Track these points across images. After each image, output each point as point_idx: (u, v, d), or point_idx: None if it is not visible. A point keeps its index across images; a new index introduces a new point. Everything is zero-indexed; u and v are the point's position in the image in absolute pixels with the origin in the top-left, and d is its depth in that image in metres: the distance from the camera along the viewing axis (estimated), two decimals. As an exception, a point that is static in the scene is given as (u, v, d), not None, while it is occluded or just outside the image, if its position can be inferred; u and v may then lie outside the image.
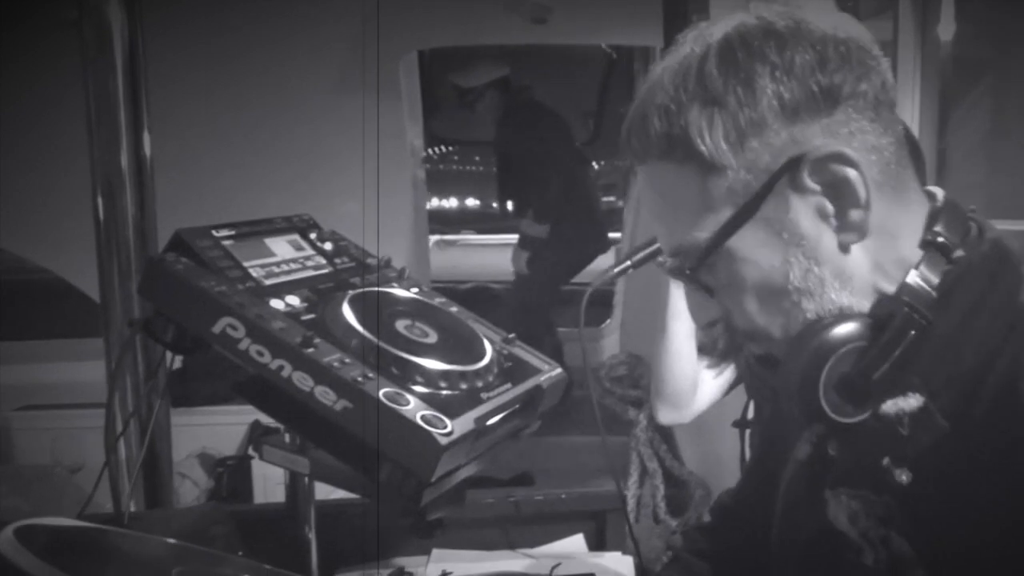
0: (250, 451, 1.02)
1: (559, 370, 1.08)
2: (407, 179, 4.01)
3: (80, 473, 2.62)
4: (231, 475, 2.85)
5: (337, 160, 3.58)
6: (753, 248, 0.76)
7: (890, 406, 0.74)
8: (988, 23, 2.32)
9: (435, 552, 1.39)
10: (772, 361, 0.80)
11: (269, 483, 2.65)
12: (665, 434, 3.53)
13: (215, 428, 2.99)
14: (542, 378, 1.05)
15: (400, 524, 1.08)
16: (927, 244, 0.76)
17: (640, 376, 3.83)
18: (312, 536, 1.17)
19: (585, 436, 3.71)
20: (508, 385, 1.00)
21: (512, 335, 1.10)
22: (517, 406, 0.99)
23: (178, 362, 1.05)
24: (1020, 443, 0.68)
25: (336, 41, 3.56)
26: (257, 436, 1.09)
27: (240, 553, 1.16)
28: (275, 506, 1.33)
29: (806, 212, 0.75)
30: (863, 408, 0.75)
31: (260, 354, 0.90)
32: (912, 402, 0.73)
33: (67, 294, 2.98)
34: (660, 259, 0.85)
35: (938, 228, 0.77)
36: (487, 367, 0.99)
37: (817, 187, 0.74)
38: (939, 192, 0.81)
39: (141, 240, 1.69)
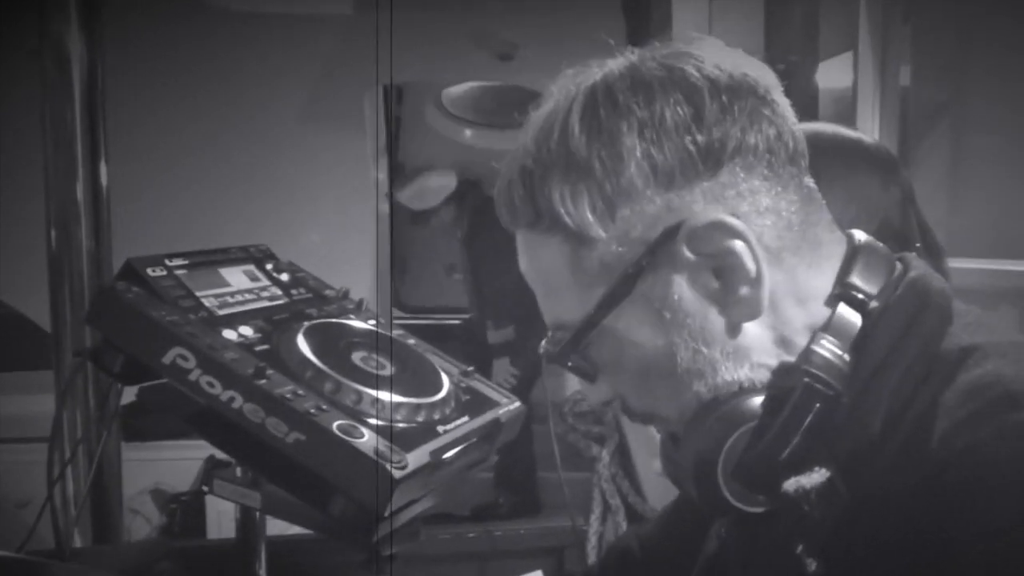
0: (203, 487, 0.99)
1: (518, 403, 1.07)
2: (371, 212, 4.00)
3: (27, 508, 2.55)
4: (184, 511, 2.78)
5: (299, 192, 3.57)
6: (634, 328, 0.67)
7: (791, 484, 0.64)
8: (946, 68, 2.38)
9: (391, 590, 1.36)
10: (676, 438, 0.72)
11: (224, 519, 2.59)
12: (628, 470, 3.52)
13: (169, 463, 2.93)
14: (500, 411, 1.04)
15: (354, 560, 1.06)
16: (834, 299, 0.67)
17: (603, 412, 3.83)
18: (263, 573, 1.14)
19: (545, 472, 3.70)
20: (466, 418, 0.98)
21: (471, 368, 1.09)
22: (474, 439, 0.98)
23: (132, 395, 1.02)
24: (915, 514, 0.59)
25: (299, 72, 3.57)
26: (208, 470, 1.07)
27: (188, 591, 1.13)
28: (225, 542, 1.30)
29: (688, 289, 0.66)
30: (765, 492, 0.65)
31: (211, 385, 0.88)
32: (815, 477, 0.64)
33: (21, 326, 2.92)
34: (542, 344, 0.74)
35: (851, 279, 0.67)
36: (444, 400, 0.98)
37: (699, 261, 0.65)
38: (859, 235, 0.72)
39: (96, 271, 1.67)
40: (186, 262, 1.02)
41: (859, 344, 0.65)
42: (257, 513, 1.11)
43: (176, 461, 2.91)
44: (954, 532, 0.57)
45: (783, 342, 0.67)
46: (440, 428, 0.94)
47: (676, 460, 0.71)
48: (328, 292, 1.13)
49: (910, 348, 0.65)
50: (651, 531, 1.05)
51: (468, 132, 4.49)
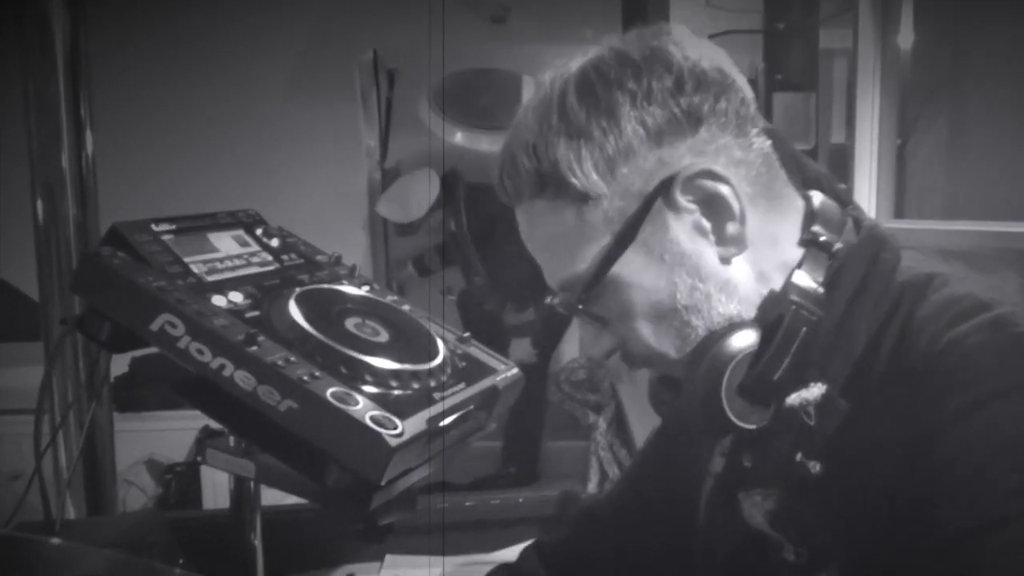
0: (197, 457, 0.98)
1: (515, 370, 1.06)
2: (362, 181, 3.96)
3: (19, 481, 2.54)
4: (180, 482, 2.78)
5: (288, 160, 3.53)
6: (637, 273, 0.77)
7: (794, 399, 0.76)
8: (947, 29, 2.35)
9: (388, 558, 1.35)
10: (672, 382, 0.82)
11: (219, 490, 2.58)
12: (624, 438, 3.53)
13: (164, 434, 2.92)
14: (498, 378, 1.02)
15: (350, 529, 1.06)
16: (806, 243, 0.79)
17: (600, 380, 3.83)
18: (258, 543, 1.12)
19: (545, 440, 3.70)
20: (462, 385, 0.97)
21: (467, 334, 1.07)
22: (472, 407, 0.96)
23: (125, 366, 1.00)
24: (910, 416, 0.69)
25: (290, 40, 3.51)
26: (201, 440, 1.05)
27: (180, 562, 1.12)
28: (219, 512, 1.28)
29: (684, 231, 0.77)
30: (767, 409, 0.76)
31: (200, 352, 0.86)
32: (815, 391, 0.76)
33: (8, 297, 2.89)
34: (550, 299, 0.86)
35: (815, 228, 0.79)
36: (440, 367, 0.96)
37: (692, 205, 0.76)
38: (816, 195, 0.84)
39: (83, 240, 1.64)
40: (173, 227, 0.99)
41: (831, 279, 0.77)
42: (251, 483, 1.10)
43: (171, 431, 2.90)
44: (941, 412, 0.67)
45: (762, 277, 0.79)
46: (436, 395, 0.92)
47: (668, 397, 0.82)
48: (320, 258, 1.11)
49: (878, 279, 0.78)
50: (617, 491, 1.12)
51: (460, 134, 4.45)
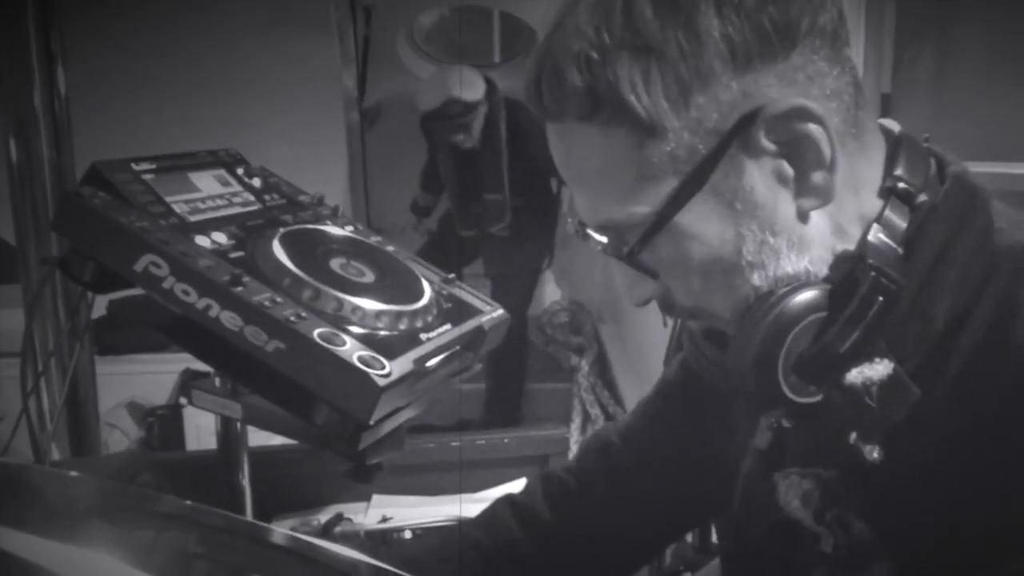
0: (180, 400, 0.98)
1: (501, 311, 1.05)
2: (340, 122, 3.91)
3: (3, 423, 2.53)
4: (162, 425, 2.78)
5: (267, 100, 3.46)
6: (701, 222, 0.65)
7: (855, 376, 0.64)
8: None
9: (375, 498, 1.37)
10: (717, 335, 0.72)
11: (202, 432, 2.60)
12: (607, 380, 3.56)
13: (144, 377, 2.91)
14: (484, 319, 1.02)
15: (338, 469, 1.06)
16: (886, 192, 0.67)
17: (582, 323, 3.85)
18: (246, 483, 1.13)
19: (528, 383, 3.74)
20: (448, 326, 0.96)
21: (452, 275, 1.07)
22: (458, 347, 0.96)
23: (103, 309, 0.99)
24: (1001, 402, 0.61)
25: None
26: (187, 380, 1.05)
27: (170, 501, 1.12)
28: (207, 453, 1.29)
29: (762, 178, 0.64)
30: (826, 385, 0.65)
31: (186, 293, 0.85)
32: (880, 369, 0.63)
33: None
34: (572, 224, 0.74)
35: (898, 172, 0.67)
36: (426, 307, 0.95)
37: (775, 148, 0.64)
38: (893, 125, 0.72)
39: (58, 180, 1.61)
40: (153, 166, 0.97)
41: (912, 238, 0.66)
42: (238, 424, 1.10)
43: (151, 375, 2.90)
44: None
45: (839, 231, 0.67)
46: (423, 336, 0.92)
47: (714, 355, 0.72)
48: (302, 198, 1.10)
49: (965, 243, 0.66)
50: (631, 423, 1.03)
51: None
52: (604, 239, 0.70)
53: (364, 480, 0.97)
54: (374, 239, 1.07)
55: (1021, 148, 1.94)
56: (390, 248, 1.07)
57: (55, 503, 0.65)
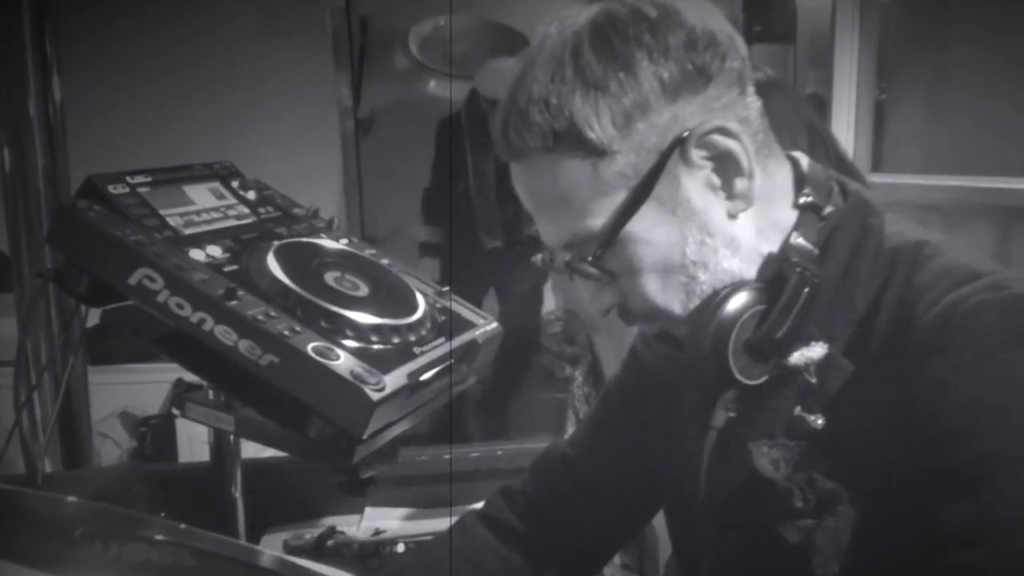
0: (173, 410, 0.98)
1: (495, 324, 1.05)
2: (335, 130, 3.91)
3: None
4: (155, 434, 2.77)
5: (262, 108, 3.46)
6: (649, 228, 0.78)
7: (797, 357, 0.79)
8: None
9: (368, 510, 1.37)
10: (669, 338, 0.84)
11: (195, 442, 2.59)
12: (600, 389, 3.55)
13: (137, 386, 2.90)
14: (477, 332, 1.02)
15: (331, 482, 1.06)
16: (800, 206, 0.82)
17: (575, 333, 3.84)
18: (238, 496, 1.13)
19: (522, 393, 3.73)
20: (442, 339, 0.97)
21: (446, 288, 1.07)
22: (452, 360, 0.96)
23: (96, 318, 0.99)
24: (919, 374, 0.72)
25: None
26: (179, 393, 1.04)
27: (162, 514, 1.12)
28: (200, 465, 1.29)
29: (696, 186, 0.78)
30: (768, 365, 0.80)
31: (180, 307, 0.85)
32: (817, 350, 0.78)
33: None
34: (541, 256, 0.87)
35: (807, 190, 0.83)
36: (420, 321, 0.95)
37: (704, 161, 0.78)
38: (802, 157, 0.86)
39: (52, 190, 1.61)
40: (148, 179, 0.97)
41: (824, 243, 0.81)
42: (231, 436, 1.10)
43: (144, 384, 2.89)
44: (948, 367, 0.71)
45: (761, 234, 0.81)
46: (417, 349, 0.92)
47: (668, 352, 0.84)
48: (297, 211, 1.10)
49: (869, 244, 0.80)
50: (581, 433, 1.13)
51: (433, 82, 4.37)
52: (568, 256, 0.82)
53: (357, 493, 0.97)
54: (368, 252, 1.07)
55: (1013, 162, 1.95)
56: (385, 261, 1.07)
57: (45, 530, 0.65)
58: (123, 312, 0.94)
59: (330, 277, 0.95)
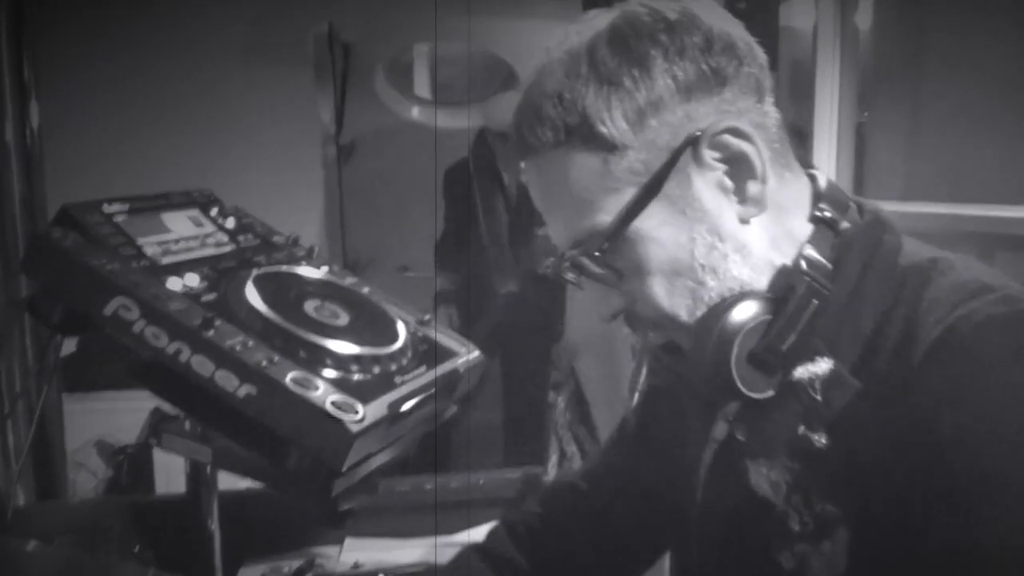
0: (150, 440, 0.96)
1: (477, 352, 1.05)
2: (317, 157, 3.90)
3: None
4: (131, 464, 2.72)
5: (242, 133, 3.45)
6: (658, 227, 0.77)
7: (801, 372, 0.76)
8: (906, 11, 2.37)
9: (348, 541, 1.34)
10: (675, 348, 0.82)
11: (172, 471, 2.54)
12: (583, 417, 3.54)
13: (114, 415, 2.85)
14: (459, 361, 1.01)
15: (310, 513, 1.04)
16: (815, 219, 0.81)
17: (558, 359, 3.82)
18: (215, 528, 1.11)
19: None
20: (423, 368, 0.96)
21: (427, 316, 1.06)
22: (433, 390, 0.95)
23: (73, 345, 0.97)
24: (922, 388, 0.71)
25: (243, 8, 3.43)
26: (156, 423, 1.03)
27: (136, 548, 1.10)
28: (176, 497, 1.26)
29: (707, 187, 0.77)
30: (774, 379, 0.77)
31: (156, 337, 0.84)
32: (823, 366, 0.76)
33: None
34: (548, 262, 0.84)
35: (823, 205, 0.81)
36: (401, 350, 0.95)
37: (717, 162, 0.76)
38: (820, 174, 0.85)
39: (29, 216, 1.59)
40: (125, 208, 0.96)
41: (837, 257, 0.79)
42: (208, 467, 1.08)
43: (121, 412, 2.83)
44: (955, 382, 0.69)
45: (774, 244, 0.79)
46: (397, 379, 0.91)
47: (671, 362, 0.83)
48: (277, 238, 1.09)
49: (882, 261, 0.79)
50: (593, 467, 1.11)
51: (416, 109, 4.38)
52: (571, 253, 0.80)
53: (336, 526, 0.96)
54: (349, 280, 1.07)
55: (995, 189, 1.97)
56: (365, 290, 1.06)
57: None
58: (100, 340, 0.92)
59: (310, 306, 0.94)
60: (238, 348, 0.83)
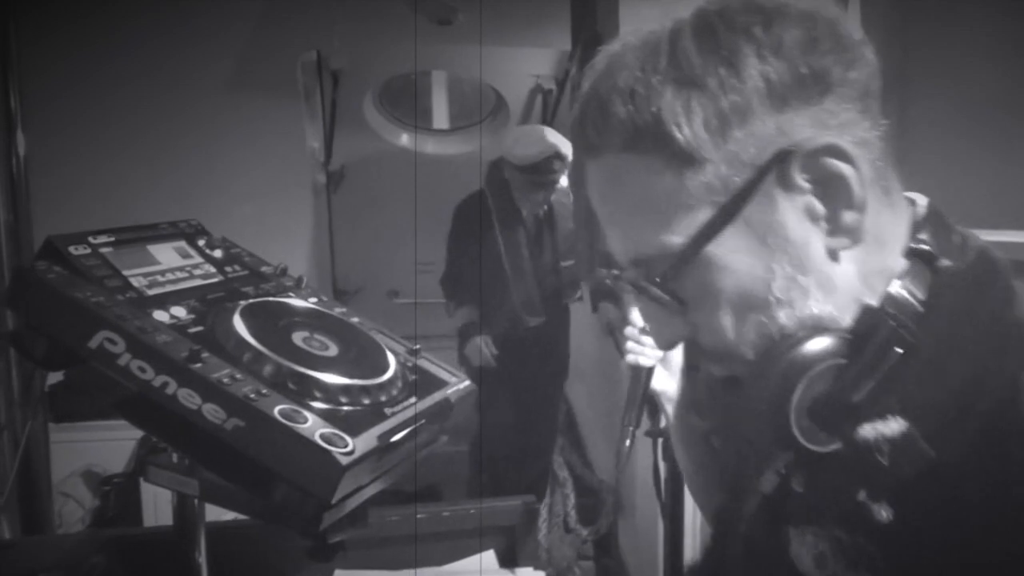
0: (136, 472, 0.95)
1: (467, 382, 1.04)
2: (306, 183, 3.90)
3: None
4: (118, 494, 2.70)
5: (229, 162, 3.45)
6: (732, 254, 0.66)
7: (868, 431, 0.65)
8: (889, 37, 2.39)
9: (338, 573, 1.33)
10: (736, 384, 0.72)
11: (160, 500, 2.52)
12: (575, 442, 3.53)
13: (101, 444, 2.83)
14: (450, 391, 1.00)
15: (299, 545, 1.02)
16: (911, 253, 0.69)
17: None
18: (202, 561, 1.09)
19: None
20: (414, 399, 0.95)
21: (417, 346, 1.05)
22: (423, 421, 0.94)
23: (60, 375, 0.96)
24: (1016, 474, 0.61)
25: (231, 37, 3.44)
26: (143, 456, 1.01)
27: (122, 585, 1.08)
28: (162, 530, 1.25)
29: (794, 213, 0.66)
30: (838, 434, 0.66)
31: (142, 370, 0.83)
32: (893, 427, 0.64)
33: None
34: (607, 273, 0.77)
35: (923, 236, 0.69)
36: (391, 380, 0.94)
37: (808, 185, 0.65)
38: (920, 198, 0.74)
39: (15, 248, 1.58)
40: (111, 239, 0.96)
41: (932, 301, 0.67)
42: (195, 500, 1.06)
43: (108, 442, 2.82)
44: None
45: (864, 280, 0.68)
46: (387, 410, 0.90)
47: (732, 399, 0.71)
48: (265, 269, 1.08)
49: (985, 310, 0.67)
50: (700, 566, 0.98)
51: (405, 136, 4.40)
52: (631, 273, 0.72)
53: (325, 560, 0.94)
54: (338, 311, 1.06)
55: (978, 215, 1.98)
56: (355, 319, 1.05)
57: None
58: (86, 373, 0.91)
59: (298, 337, 0.94)
60: (226, 380, 0.82)
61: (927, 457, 0.63)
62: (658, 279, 0.69)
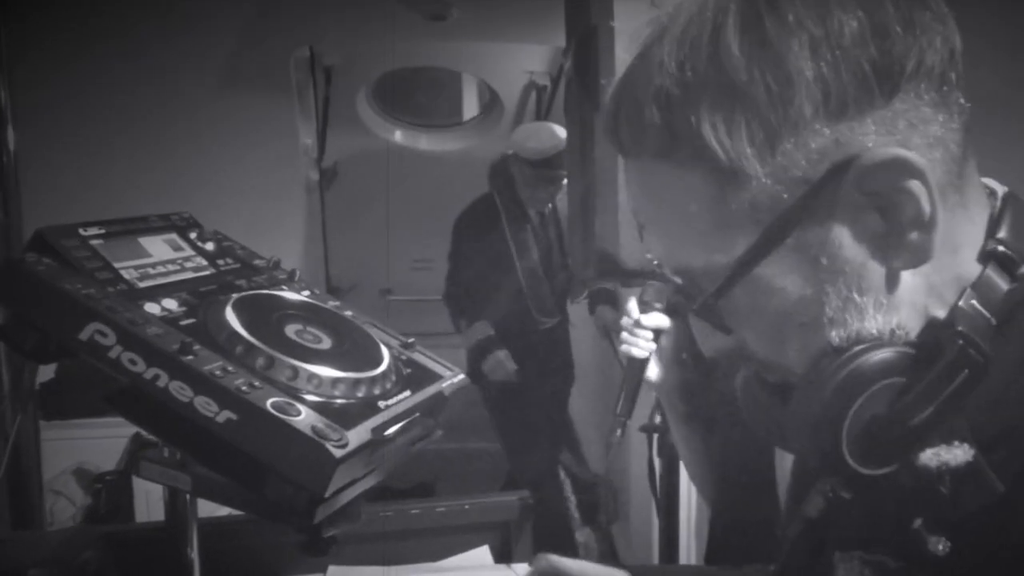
0: (128, 468, 0.95)
1: (462, 376, 1.03)
2: (299, 179, 3.89)
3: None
4: (110, 491, 2.68)
5: (221, 157, 3.44)
6: (782, 275, 0.59)
7: (930, 457, 0.58)
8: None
9: (331, 569, 1.32)
10: (784, 391, 0.65)
11: (152, 497, 2.51)
12: (569, 442, 3.53)
13: (93, 442, 2.82)
14: (444, 384, 1.00)
15: (291, 541, 1.02)
16: (986, 256, 0.60)
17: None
18: (195, 557, 1.08)
19: (485, 443, 3.69)
20: (407, 392, 0.94)
21: (411, 340, 1.05)
22: (417, 414, 0.94)
23: (51, 372, 0.95)
24: None
25: (223, 31, 3.42)
26: (134, 451, 1.01)
27: (114, 580, 1.07)
28: (154, 526, 1.24)
29: (852, 233, 0.58)
30: (895, 459, 0.60)
31: (133, 363, 0.82)
32: (959, 455, 0.58)
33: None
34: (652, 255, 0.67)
35: (1001, 235, 0.61)
36: (384, 374, 0.93)
37: (868, 201, 0.57)
38: (998, 186, 0.65)
39: (5, 242, 1.58)
40: (102, 231, 0.95)
41: (1010, 310, 0.60)
42: (187, 495, 1.06)
43: (100, 439, 2.81)
44: None
45: (933, 293, 0.60)
46: (381, 403, 0.90)
47: (777, 410, 0.65)
48: (258, 262, 1.07)
49: None
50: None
51: (399, 132, 4.39)
52: (677, 297, 0.66)
53: (318, 554, 0.94)
54: (331, 303, 1.05)
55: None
56: (348, 313, 1.05)
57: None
58: (79, 365, 0.91)
59: (291, 330, 0.93)
60: (218, 373, 0.81)
61: (994, 490, 0.57)
62: (701, 307, 0.63)
